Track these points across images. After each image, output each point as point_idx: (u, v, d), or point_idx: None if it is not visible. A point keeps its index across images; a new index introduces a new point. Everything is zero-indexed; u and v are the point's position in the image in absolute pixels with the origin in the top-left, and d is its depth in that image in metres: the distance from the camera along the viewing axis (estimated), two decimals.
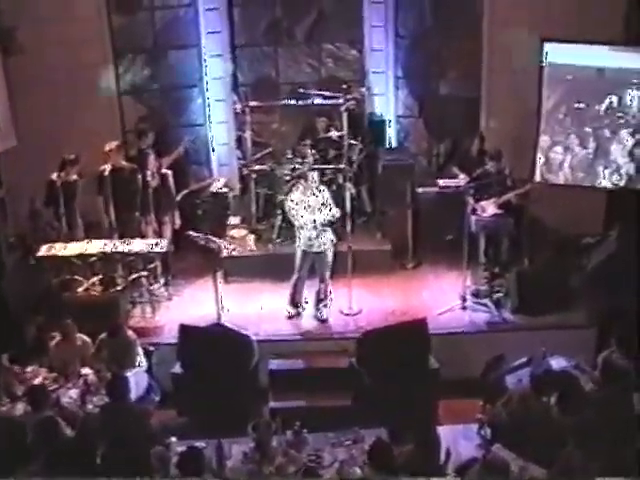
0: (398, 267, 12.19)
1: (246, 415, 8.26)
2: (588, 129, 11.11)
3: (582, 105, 11.01)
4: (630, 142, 10.88)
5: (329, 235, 10.70)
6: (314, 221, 10.50)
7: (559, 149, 11.33)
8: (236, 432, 7.98)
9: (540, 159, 11.42)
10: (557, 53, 10.97)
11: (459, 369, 9.86)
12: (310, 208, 10.56)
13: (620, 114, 10.83)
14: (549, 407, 7.95)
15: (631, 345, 8.73)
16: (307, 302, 11.09)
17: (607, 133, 11.00)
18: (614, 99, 10.81)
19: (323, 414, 9.00)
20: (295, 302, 11.01)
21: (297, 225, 10.65)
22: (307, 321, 10.96)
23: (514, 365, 9.03)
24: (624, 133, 10.91)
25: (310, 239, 10.59)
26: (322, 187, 10.82)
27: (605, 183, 11.22)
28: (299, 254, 10.76)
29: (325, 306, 10.94)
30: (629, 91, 10.74)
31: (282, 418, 8.01)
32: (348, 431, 8.07)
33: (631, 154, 10.92)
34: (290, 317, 10.98)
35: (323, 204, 10.60)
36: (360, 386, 9.45)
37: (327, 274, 10.85)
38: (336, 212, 10.72)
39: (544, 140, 11.36)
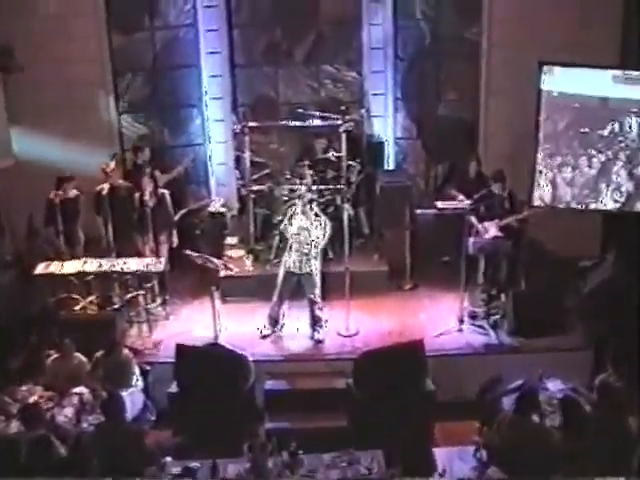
0: (395, 288, 12.17)
1: (242, 435, 8.22)
2: (588, 151, 11.20)
3: (584, 129, 11.11)
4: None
5: (315, 256, 10.75)
6: (310, 243, 10.53)
7: (558, 170, 11.37)
8: (232, 452, 7.95)
9: (538, 181, 11.45)
10: (553, 81, 11.05)
11: (456, 391, 9.85)
12: (306, 230, 10.59)
13: (621, 139, 10.96)
14: (541, 429, 7.94)
15: (628, 368, 8.72)
16: (284, 323, 11.07)
17: (609, 155, 11.11)
18: (616, 125, 10.95)
19: (319, 435, 8.97)
20: (273, 321, 10.99)
21: (292, 246, 10.68)
22: (304, 342, 10.93)
23: (511, 387, 9.00)
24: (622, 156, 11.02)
25: (301, 261, 10.62)
26: (319, 213, 10.89)
27: (607, 201, 11.26)
28: (282, 274, 10.80)
29: (321, 327, 10.93)
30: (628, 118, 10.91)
31: (278, 439, 7.97)
32: (344, 452, 8.04)
33: (630, 174, 11.01)
34: (264, 337, 10.93)
35: (319, 225, 10.64)
36: (356, 407, 9.41)
37: (317, 294, 10.86)
38: (322, 242, 10.82)
39: (544, 162, 11.40)
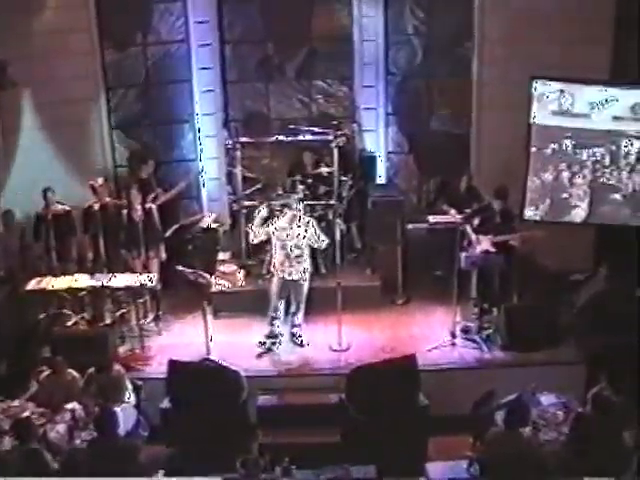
0: (388, 303, 12.16)
1: (234, 451, 8.22)
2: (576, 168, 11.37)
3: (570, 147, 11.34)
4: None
5: (305, 264, 10.76)
6: (293, 247, 10.55)
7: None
8: (224, 468, 7.93)
9: (529, 196, 11.53)
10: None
11: (448, 405, 9.82)
12: (292, 235, 10.61)
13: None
14: (533, 444, 7.95)
15: (621, 381, 8.73)
16: (282, 334, 11.08)
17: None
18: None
19: (312, 451, 8.96)
20: (270, 337, 10.98)
21: (277, 250, 10.71)
22: (296, 357, 10.92)
23: (504, 402, 8.99)
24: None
25: (286, 265, 10.65)
26: (308, 218, 10.92)
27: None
28: (275, 282, 10.84)
29: (298, 327, 11.04)
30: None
31: (270, 454, 7.97)
32: (336, 468, 8.02)
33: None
34: (260, 354, 10.91)
35: (306, 231, 10.65)
36: (349, 423, 9.41)
37: (302, 303, 10.93)
38: (324, 242, 10.84)
39: (535, 176, 11.47)
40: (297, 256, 10.66)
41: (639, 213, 11.30)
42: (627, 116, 11.02)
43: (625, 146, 11.11)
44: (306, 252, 10.77)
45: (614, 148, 11.16)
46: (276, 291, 10.87)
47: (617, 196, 11.31)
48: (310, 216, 11.65)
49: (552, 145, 11.35)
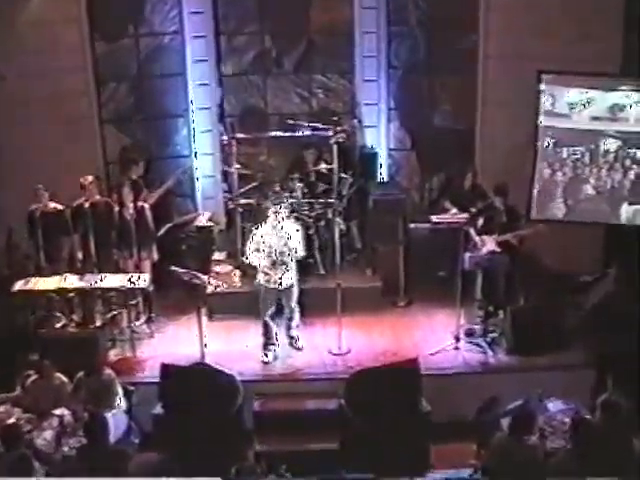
0: (389, 305, 12.18)
1: (230, 458, 8.22)
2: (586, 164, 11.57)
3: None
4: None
5: (292, 271, 10.72)
6: (278, 254, 10.53)
7: (556, 182, 11.55)
8: (219, 476, 7.93)
9: (536, 193, 11.57)
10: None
11: (452, 411, 9.86)
12: (276, 241, 10.55)
13: None
14: (538, 451, 7.96)
15: (631, 386, 8.74)
16: (278, 345, 11.08)
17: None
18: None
19: (309, 458, 8.97)
20: (268, 345, 10.97)
21: (263, 257, 10.65)
22: (294, 361, 10.93)
23: (510, 408, 8.99)
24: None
25: (271, 272, 10.61)
26: (296, 225, 10.89)
27: None
28: (262, 294, 10.81)
29: (294, 335, 11.07)
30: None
31: (267, 462, 7.98)
32: (335, 476, 8.03)
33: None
34: (266, 363, 10.90)
35: (289, 238, 10.58)
36: (348, 429, 9.42)
37: (295, 307, 10.94)
38: (301, 252, 10.78)
39: (542, 173, 11.52)
40: (282, 263, 10.62)
41: (617, 211, 11.58)
42: (605, 116, 11.40)
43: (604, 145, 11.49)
44: (291, 258, 10.68)
45: (593, 147, 11.51)
46: (265, 305, 10.81)
47: (594, 192, 11.64)
48: (308, 217, 11.71)
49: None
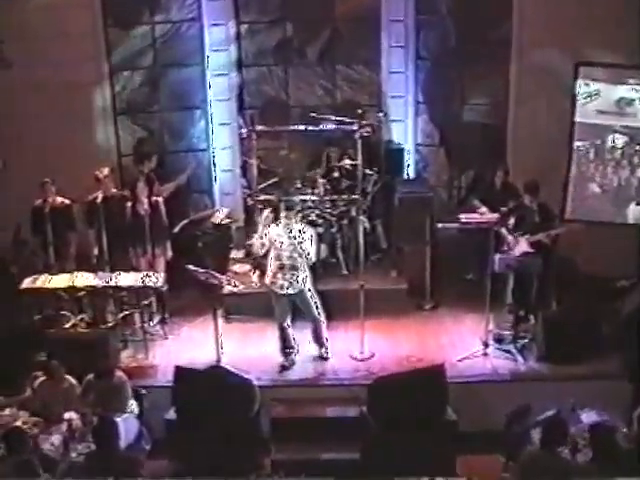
0: (414, 308, 12.15)
1: (246, 467, 8.19)
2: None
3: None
4: None
5: (302, 274, 10.57)
6: (287, 258, 10.44)
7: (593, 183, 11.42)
8: None
9: (571, 194, 11.46)
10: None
11: (479, 421, 9.78)
12: (286, 245, 10.45)
13: None
14: (570, 465, 7.87)
15: None
16: (298, 350, 11.00)
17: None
18: None
19: (329, 467, 8.94)
20: (286, 350, 10.89)
21: (271, 260, 10.57)
22: (314, 365, 10.89)
23: (541, 418, 8.91)
24: None
25: (279, 276, 10.50)
26: (305, 227, 10.73)
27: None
28: (273, 297, 10.71)
29: (323, 344, 10.96)
30: None
31: (285, 471, 7.94)
32: None
33: None
34: (284, 367, 10.82)
35: (301, 242, 10.46)
36: (370, 437, 9.36)
37: (314, 311, 10.78)
38: (313, 257, 10.66)
39: (576, 173, 11.41)
40: (291, 268, 10.53)
41: (624, 211, 11.36)
42: (612, 110, 11.17)
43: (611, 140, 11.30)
44: (302, 263, 10.55)
45: (599, 142, 11.29)
46: (279, 310, 10.71)
47: (600, 191, 11.44)
48: (331, 215, 11.64)
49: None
